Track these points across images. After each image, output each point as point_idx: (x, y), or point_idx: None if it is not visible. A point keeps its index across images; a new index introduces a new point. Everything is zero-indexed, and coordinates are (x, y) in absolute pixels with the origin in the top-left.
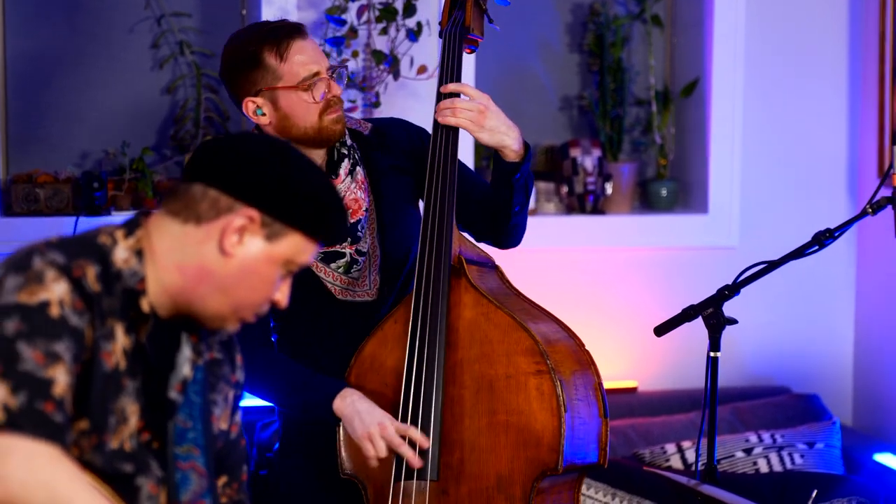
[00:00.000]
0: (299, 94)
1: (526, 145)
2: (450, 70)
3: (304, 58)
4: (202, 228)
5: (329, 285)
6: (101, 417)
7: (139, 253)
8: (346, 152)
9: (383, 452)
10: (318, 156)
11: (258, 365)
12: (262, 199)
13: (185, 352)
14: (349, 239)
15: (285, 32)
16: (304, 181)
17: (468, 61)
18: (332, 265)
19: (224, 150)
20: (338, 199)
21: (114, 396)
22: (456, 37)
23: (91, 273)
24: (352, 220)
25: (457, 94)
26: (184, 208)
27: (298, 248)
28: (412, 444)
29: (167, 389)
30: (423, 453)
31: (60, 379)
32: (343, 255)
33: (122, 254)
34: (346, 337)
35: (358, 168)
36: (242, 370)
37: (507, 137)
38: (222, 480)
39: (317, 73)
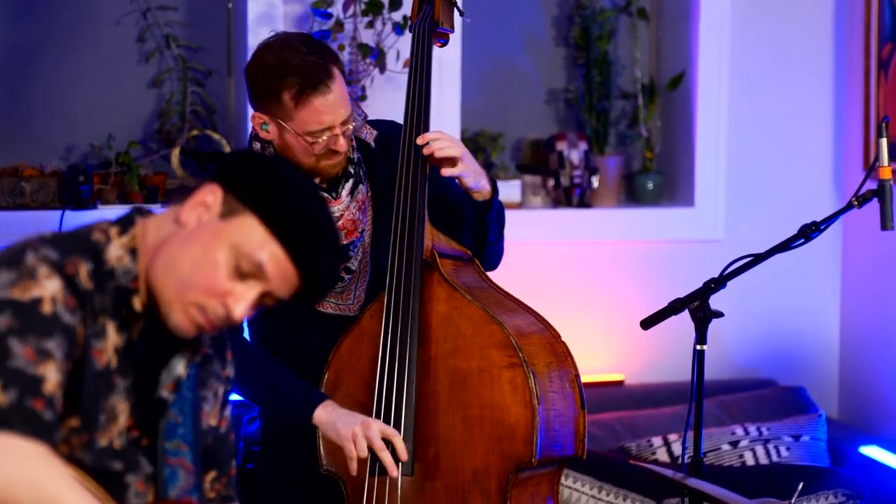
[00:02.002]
0: (303, 140)
1: (493, 182)
2: (419, 64)
3: (319, 112)
4: (178, 207)
5: None
6: (92, 415)
7: (133, 251)
8: (351, 171)
9: (364, 452)
10: None
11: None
12: (231, 176)
13: (183, 350)
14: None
15: (312, 82)
16: (284, 177)
17: (448, 55)
18: None
19: (236, 152)
20: (321, 216)
21: (105, 395)
22: (425, 31)
23: (84, 270)
24: (345, 242)
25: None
26: (180, 196)
27: (250, 234)
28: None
29: (157, 387)
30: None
31: (51, 376)
32: None
33: (115, 251)
34: (325, 348)
35: (361, 186)
36: (232, 366)
37: (483, 179)
38: (211, 475)
39: (328, 129)
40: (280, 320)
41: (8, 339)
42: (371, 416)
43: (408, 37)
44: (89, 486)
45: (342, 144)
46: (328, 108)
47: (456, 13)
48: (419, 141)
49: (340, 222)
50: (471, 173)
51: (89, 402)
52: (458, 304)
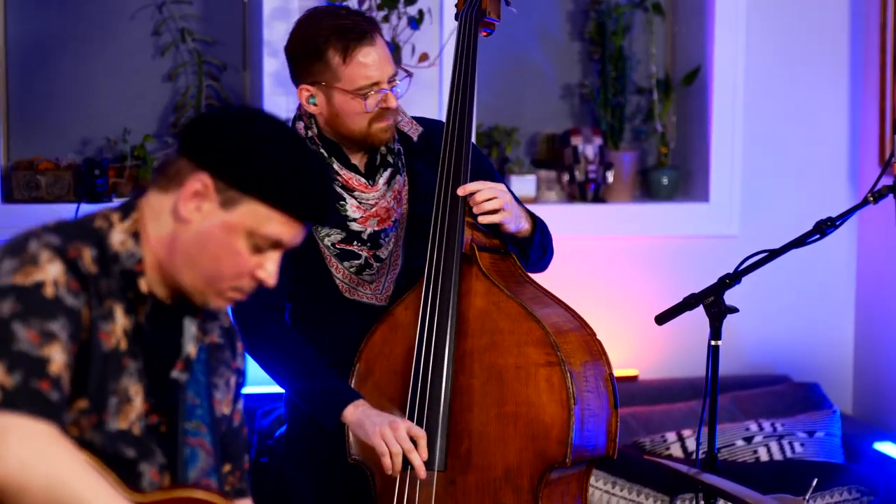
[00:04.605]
0: (353, 99)
1: (532, 218)
2: (465, 53)
3: (366, 65)
4: (170, 196)
5: (337, 281)
6: (100, 397)
7: (135, 235)
8: (390, 160)
9: (397, 448)
10: (359, 156)
11: (269, 334)
12: (215, 162)
13: (190, 330)
14: (368, 243)
15: (356, 35)
16: (263, 147)
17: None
18: (345, 263)
19: (201, 120)
20: (308, 169)
21: (115, 376)
22: (472, 19)
23: (87, 255)
24: (377, 228)
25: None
26: (162, 178)
27: (258, 217)
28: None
29: (171, 369)
30: (429, 444)
31: (56, 357)
32: (358, 256)
33: (118, 237)
34: (352, 335)
35: (398, 177)
36: (243, 358)
37: (524, 220)
38: (226, 468)
39: (376, 84)
40: (307, 302)
41: (12, 324)
42: (402, 406)
43: (423, 32)
44: (99, 469)
45: (393, 101)
46: (375, 61)
47: (503, 2)
48: (460, 192)
49: (374, 209)
50: (512, 219)
51: (97, 384)
52: (496, 300)
